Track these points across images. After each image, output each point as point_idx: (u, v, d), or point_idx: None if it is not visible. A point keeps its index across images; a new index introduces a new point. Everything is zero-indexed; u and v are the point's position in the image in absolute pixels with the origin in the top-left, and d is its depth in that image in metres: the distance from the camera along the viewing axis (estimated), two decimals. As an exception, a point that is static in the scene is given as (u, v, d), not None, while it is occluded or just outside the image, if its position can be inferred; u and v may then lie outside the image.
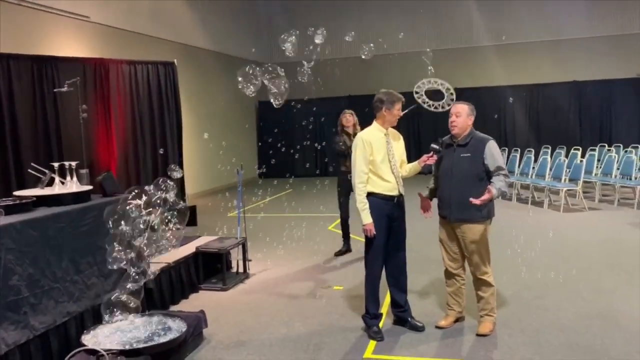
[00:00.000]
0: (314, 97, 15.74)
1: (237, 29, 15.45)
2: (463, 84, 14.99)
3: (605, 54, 14.51)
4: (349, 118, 6.42)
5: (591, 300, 4.82)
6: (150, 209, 3.68)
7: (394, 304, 4.38)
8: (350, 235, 6.89)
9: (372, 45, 4.83)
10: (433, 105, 5.30)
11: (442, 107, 5.54)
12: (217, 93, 13.87)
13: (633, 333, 4.07)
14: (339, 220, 6.91)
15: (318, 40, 4.49)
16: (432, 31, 16.03)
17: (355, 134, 5.97)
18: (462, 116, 4.06)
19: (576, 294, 4.99)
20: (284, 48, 4.47)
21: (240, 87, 4.30)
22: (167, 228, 3.80)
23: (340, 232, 7.99)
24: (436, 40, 15.99)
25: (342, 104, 15.96)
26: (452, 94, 5.26)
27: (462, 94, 14.00)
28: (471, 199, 3.82)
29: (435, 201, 4.34)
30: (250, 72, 4.28)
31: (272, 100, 4.38)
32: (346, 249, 6.84)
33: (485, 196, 3.82)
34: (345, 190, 6.38)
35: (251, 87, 4.31)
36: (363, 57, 4.89)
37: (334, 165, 6.85)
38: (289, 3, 16.87)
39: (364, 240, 4.22)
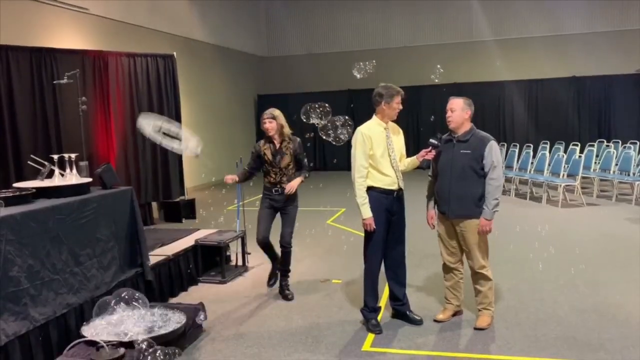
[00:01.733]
0: (313, 90, 15.78)
1: (236, 21, 15.40)
2: (462, 79, 15.00)
3: (605, 50, 14.50)
4: (267, 126, 4.95)
5: (588, 294, 4.85)
6: None
7: (393, 297, 4.40)
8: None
9: (439, 66, 4.78)
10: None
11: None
12: (216, 86, 13.85)
13: (629, 327, 4.10)
14: (337, 214, 6.81)
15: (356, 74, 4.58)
16: (433, 25, 16.00)
17: (283, 140, 4.98)
18: (456, 111, 4.06)
19: (573, 288, 5.02)
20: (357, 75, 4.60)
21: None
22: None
23: (342, 227, 8.04)
24: (436, 34, 15.96)
25: (342, 98, 16.02)
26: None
27: (462, 89, 14.09)
28: (479, 230, 4.01)
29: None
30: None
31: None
32: (275, 280, 5.34)
33: (485, 229, 3.99)
34: (267, 205, 5.04)
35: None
36: (436, 81, 4.87)
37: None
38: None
39: (363, 234, 4.23)
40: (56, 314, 3.68)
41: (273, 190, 4.99)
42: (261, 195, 5.11)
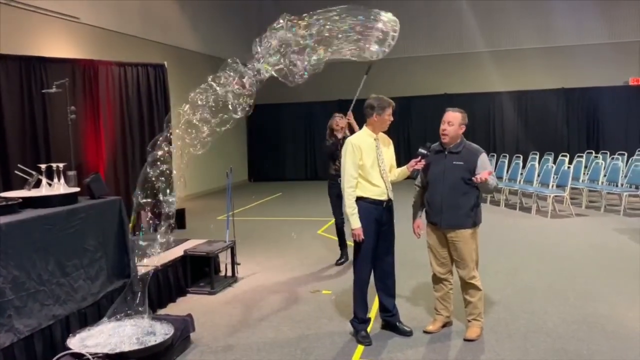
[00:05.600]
0: (305, 101, 15.82)
1: (227, 31, 15.42)
2: (454, 90, 15.11)
3: (593, 62, 14.66)
4: (338, 122, 6.28)
5: (578, 305, 4.85)
6: None
7: (382, 308, 4.38)
8: (347, 242, 6.41)
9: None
10: None
11: None
12: (207, 96, 13.84)
13: (619, 339, 4.11)
14: (328, 224, 6.90)
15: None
16: (424, 37, 16.10)
17: (344, 138, 5.72)
18: (454, 125, 4.06)
19: (563, 299, 5.03)
20: None
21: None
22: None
23: (332, 237, 8.02)
24: (427, 45, 16.06)
25: (333, 108, 16.03)
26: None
27: (453, 100, 14.18)
28: (475, 177, 3.94)
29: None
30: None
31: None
32: (345, 259, 6.53)
33: (485, 174, 3.91)
34: (335, 193, 6.21)
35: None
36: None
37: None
38: (280, 4, 16.85)
39: (352, 244, 4.22)
40: (41, 326, 3.62)
41: (338, 180, 5.41)
42: (326, 185, 6.42)
